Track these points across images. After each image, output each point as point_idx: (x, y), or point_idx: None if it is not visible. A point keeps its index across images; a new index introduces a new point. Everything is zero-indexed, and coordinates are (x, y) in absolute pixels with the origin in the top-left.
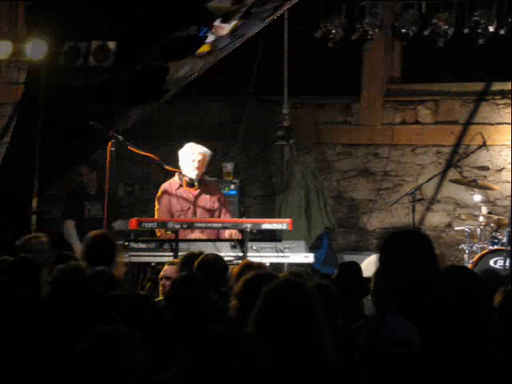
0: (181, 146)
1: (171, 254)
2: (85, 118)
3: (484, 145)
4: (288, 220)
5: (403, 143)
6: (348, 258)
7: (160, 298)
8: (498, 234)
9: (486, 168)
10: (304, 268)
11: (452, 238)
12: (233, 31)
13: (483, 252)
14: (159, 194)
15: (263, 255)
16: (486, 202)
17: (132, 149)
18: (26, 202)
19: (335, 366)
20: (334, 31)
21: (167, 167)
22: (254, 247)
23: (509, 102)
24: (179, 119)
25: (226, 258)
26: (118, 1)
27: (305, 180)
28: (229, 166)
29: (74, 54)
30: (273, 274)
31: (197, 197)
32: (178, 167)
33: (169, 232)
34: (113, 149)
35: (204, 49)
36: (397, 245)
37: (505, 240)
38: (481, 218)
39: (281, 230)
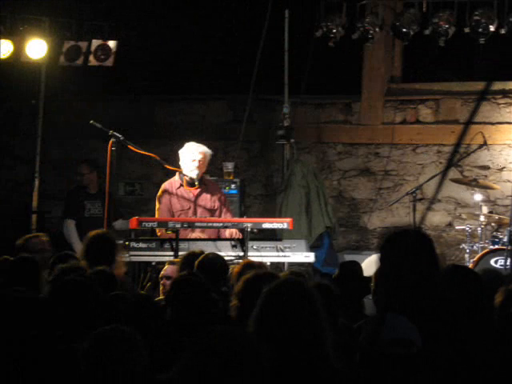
0: (181, 146)
1: (172, 253)
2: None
3: (485, 144)
4: (288, 219)
5: (404, 142)
6: (349, 257)
7: (160, 297)
8: (499, 233)
9: (486, 167)
10: (304, 267)
11: (453, 237)
12: None
13: (484, 251)
14: (160, 193)
15: (264, 255)
16: (487, 201)
17: (132, 148)
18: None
19: (336, 365)
20: (334, 30)
21: (167, 166)
22: (254, 246)
23: (510, 101)
24: (179, 119)
25: (226, 258)
26: None
27: (305, 179)
28: (229, 166)
29: None
30: (273, 273)
31: (197, 196)
32: (178, 166)
33: (169, 231)
34: (113, 148)
35: None
36: (397, 244)
37: (505, 239)
38: (481, 218)
39: (281, 230)
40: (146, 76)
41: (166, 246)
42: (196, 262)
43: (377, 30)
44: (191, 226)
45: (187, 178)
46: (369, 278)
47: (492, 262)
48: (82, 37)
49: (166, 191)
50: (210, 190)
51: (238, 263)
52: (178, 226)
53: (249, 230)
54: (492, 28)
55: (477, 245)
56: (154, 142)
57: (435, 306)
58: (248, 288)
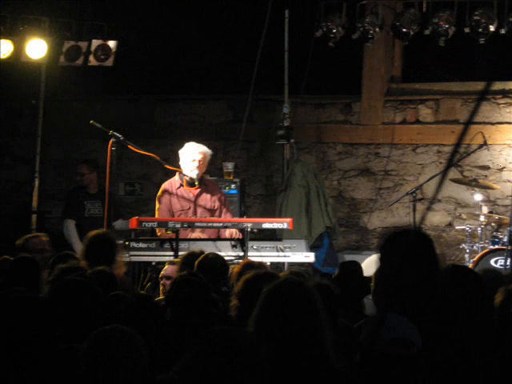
0: (181, 146)
1: (172, 253)
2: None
3: (485, 144)
4: (288, 219)
5: (404, 142)
6: (349, 257)
7: (160, 297)
8: (499, 233)
9: (486, 167)
10: (304, 267)
11: (453, 237)
12: None
13: (484, 251)
14: (160, 193)
15: (264, 255)
16: (487, 201)
17: (132, 148)
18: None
19: (336, 365)
20: (334, 30)
21: (167, 166)
22: (254, 246)
23: (510, 101)
24: (179, 119)
25: (226, 258)
26: None
27: (305, 179)
28: (229, 166)
29: None
30: (273, 273)
31: (197, 196)
32: (178, 166)
33: (169, 231)
34: (113, 148)
35: None
36: (397, 244)
37: (505, 239)
38: (481, 218)
39: (281, 230)
40: (145, 76)
41: (166, 246)
42: (196, 262)
43: (377, 30)
44: (191, 226)
45: (187, 178)
46: (369, 278)
47: (492, 262)
48: (81, 37)
49: (165, 191)
50: (210, 190)
51: (238, 263)
52: (178, 226)
53: (249, 229)
54: (492, 28)
55: (477, 245)
56: (154, 142)
57: (435, 305)
58: (248, 288)
